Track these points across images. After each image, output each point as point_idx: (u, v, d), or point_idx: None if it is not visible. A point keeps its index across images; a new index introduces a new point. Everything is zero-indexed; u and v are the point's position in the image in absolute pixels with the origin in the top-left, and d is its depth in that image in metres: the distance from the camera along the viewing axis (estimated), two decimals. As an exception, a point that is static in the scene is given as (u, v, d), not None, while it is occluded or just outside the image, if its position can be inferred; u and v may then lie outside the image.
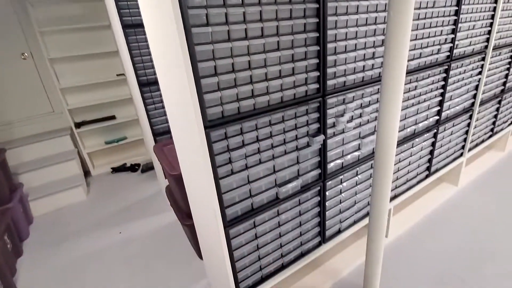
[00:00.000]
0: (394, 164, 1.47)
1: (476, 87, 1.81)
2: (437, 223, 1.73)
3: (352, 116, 1.15)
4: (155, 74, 1.88)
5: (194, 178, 0.99)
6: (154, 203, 2.32)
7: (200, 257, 1.64)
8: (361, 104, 1.16)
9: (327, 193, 1.20)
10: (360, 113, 1.18)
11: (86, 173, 2.92)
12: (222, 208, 0.90)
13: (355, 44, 1.05)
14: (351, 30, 1.00)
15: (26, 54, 2.61)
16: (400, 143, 1.43)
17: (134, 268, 1.67)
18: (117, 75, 2.97)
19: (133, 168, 2.94)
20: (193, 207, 1.26)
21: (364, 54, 1.09)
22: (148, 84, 1.88)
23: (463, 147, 1.94)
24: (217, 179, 0.85)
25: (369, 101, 1.19)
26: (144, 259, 1.72)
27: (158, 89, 1.93)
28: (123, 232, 2.01)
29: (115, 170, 2.95)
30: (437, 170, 1.79)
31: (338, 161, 1.18)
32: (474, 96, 1.83)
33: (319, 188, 1.16)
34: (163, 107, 1.98)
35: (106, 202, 2.42)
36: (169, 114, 1.09)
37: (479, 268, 1.40)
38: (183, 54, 0.68)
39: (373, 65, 1.14)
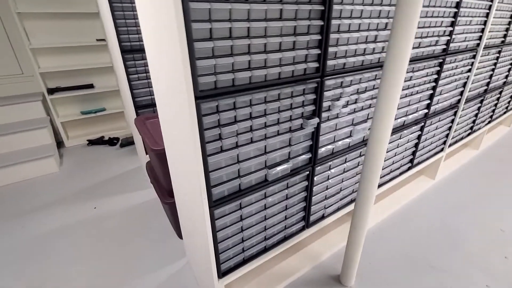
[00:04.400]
0: (381, 154, 1.47)
1: (464, 85, 1.83)
2: (413, 213, 1.79)
3: (347, 101, 1.11)
4: (139, 40, 1.74)
5: (180, 154, 0.92)
6: (133, 179, 2.22)
7: (180, 236, 1.60)
8: (358, 89, 1.13)
9: (315, 178, 1.17)
10: (356, 99, 1.14)
11: (59, 144, 2.74)
12: (209, 188, 0.84)
13: (359, 24, 0.99)
14: (357, 8, 0.94)
15: (-10, 5, 2.32)
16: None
17: (108, 245, 1.60)
18: (97, 40, 2.74)
19: (112, 142, 2.79)
20: (175, 185, 1.20)
21: (367, 36, 1.04)
22: (132, 51, 1.73)
23: (444, 142, 1.99)
24: (205, 156, 0.79)
25: (366, 87, 1.15)
26: (119, 236, 1.66)
27: (143, 58, 1.79)
28: (98, 207, 1.91)
29: (92, 142, 2.79)
30: (419, 163, 1.83)
31: (329, 147, 1.15)
32: (461, 93, 1.85)
33: (308, 173, 1.13)
34: (147, 78, 1.84)
35: (80, 175, 2.29)
36: (154, 83, 1.00)
37: (446, 254, 1.47)
38: (176, 12, 0.59)
39: (374, 49, 1.09)
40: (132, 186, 2.14)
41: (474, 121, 2.22)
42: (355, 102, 1.15)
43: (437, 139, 1.88)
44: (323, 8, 0.85)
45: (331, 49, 0.94)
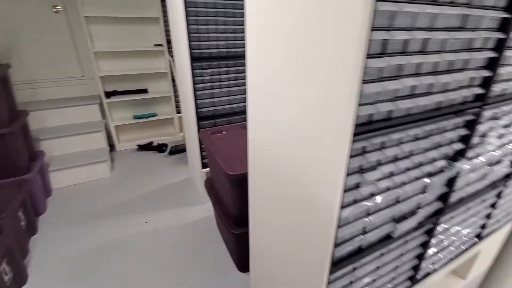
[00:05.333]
0: None
1: None
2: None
3: (495, 136, 0.85)
4: (210, 48, 1.60)
5: (287, 194, 0.72)
6: (183, 192, 2.10)
7: (241, 269, 1.41)
8: (507, 122, 0.86)
9: (435, 231, 0.91)
10: (501, 133, 0.87)
11: (111, 147, 2.72)
12: (332, 247, 0.63)
13: (534, 38, 0.73)
14: (542, 16, 0.69)
15: (59, 6, 2.36)
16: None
17: (159, 269, 1.45)
18: (155, 45, 2.70)
19: (160, 148, 2.72)
20: (256, 221, 1.01)
21: (537, 54, 0.78)
22: (201, 59, 1.60)
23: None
24: (339, 208, 0.58)
25: (516, 119, 0.88)
26: (172, 259, 1.51)
27: (210, 67, 1.65)
28: (150, 222, 1.79)
29: (141, 148, 2.74)
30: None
31: (459, 193, 0.89)
32: None
33: (431, 226, 0.88)
34: (211, 88, 1.71)
35: (131, 183, 2.22)
36: (255, 98, 0.82)
37: None
38: (363, 14, 0.39)
39: (537, 70, 0.82)
40: (183, 200, 2.01)
41: None
42: (500, 137, 0.88)
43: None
44: (507, 16, 0.61)
45: (499, 70, 0.70)
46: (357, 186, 0.60)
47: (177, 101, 2.91)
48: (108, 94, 2.60)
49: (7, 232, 1.26)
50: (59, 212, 1.89)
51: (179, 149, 2.66)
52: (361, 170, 0.59)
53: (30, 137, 1.96)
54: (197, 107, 1.69)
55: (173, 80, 2.78)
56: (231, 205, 1.26)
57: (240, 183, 1.12)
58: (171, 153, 2.66)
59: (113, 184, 2.22)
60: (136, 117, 2.78)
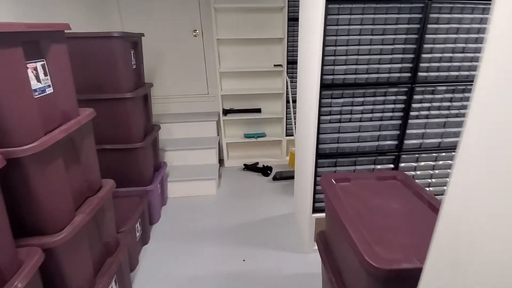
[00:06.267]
0: None
1: None
2: None
3: None
4: (345, 73, 1.31)
5: None
6: (285, 231, 1.85)
7: None
8: None
9: None
10: None
11: (220, 161, 2.78)
12: None
13: None
14: None
15: (197, 31, 2.58)
16: None
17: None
18: (274, 65, 2.62)
19: (265, 171, 2.59)
20: None
21: None
22: (332, 87, 1.33)
23: None
24: None
25: None
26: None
27: (342, 95, 1.35)
28: (247, 260, 1.62)
29: (247, 167, 2.68)
30: None
31: None
32: None
33: None
34: (340, 121, 1.40)
35: (233, 206, 2.15)
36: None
37: None
38: None
39: None
40: (285, 242, 1.75)
41: None
42: None
43: None
44: None
45: None
46: None
47: (287, 123, 2.74)
48: (225, 112, 2.67)
49: (123, 247, 1.30)
50: (170, 224, 1.96)
51: (284, 176, 2.46)
52: None
53: (158, 149, 2.14)
54: (318, 142, 1.42)
55: (287, 101, 2.62)
56: (361, 297, 0.89)
57: (388, 280, 0.75)
58: (275, 178, 2.48)
59: (218, 203, 2.20)
60: (246, 136, 2.76)
